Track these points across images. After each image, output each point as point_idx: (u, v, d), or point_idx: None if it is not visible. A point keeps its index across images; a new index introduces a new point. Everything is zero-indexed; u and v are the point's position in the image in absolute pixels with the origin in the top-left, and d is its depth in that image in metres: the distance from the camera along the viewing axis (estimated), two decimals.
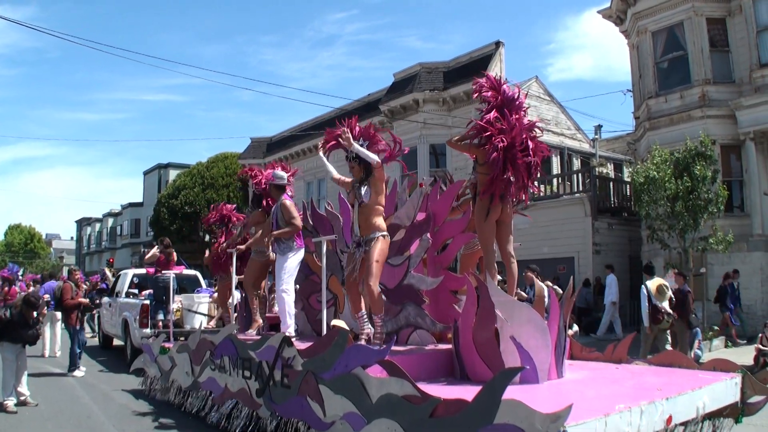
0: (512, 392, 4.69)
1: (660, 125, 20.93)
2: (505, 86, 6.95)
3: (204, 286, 16.58)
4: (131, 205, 67.92)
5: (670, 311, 12.36)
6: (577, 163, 27.47)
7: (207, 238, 41.22)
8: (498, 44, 26.04)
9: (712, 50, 20.40)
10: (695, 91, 20.31)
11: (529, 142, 6.72)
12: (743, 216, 19.62)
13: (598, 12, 24.27)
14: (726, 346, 16.16)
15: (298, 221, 8.58)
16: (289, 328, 8.53)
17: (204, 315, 14.13)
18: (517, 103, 6.89)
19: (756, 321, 17.33)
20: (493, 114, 6.71)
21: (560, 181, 25.40)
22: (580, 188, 24.31)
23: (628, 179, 23.62)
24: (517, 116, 6.78)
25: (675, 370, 6.93)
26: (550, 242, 22.20)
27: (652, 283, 12.56)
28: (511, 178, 6.65)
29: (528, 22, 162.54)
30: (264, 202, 10.07)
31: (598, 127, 30.03)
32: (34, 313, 10.14)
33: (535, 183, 7.21)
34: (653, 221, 17.37)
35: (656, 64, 21.71)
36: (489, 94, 6.84)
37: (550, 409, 4.30)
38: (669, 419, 5.25)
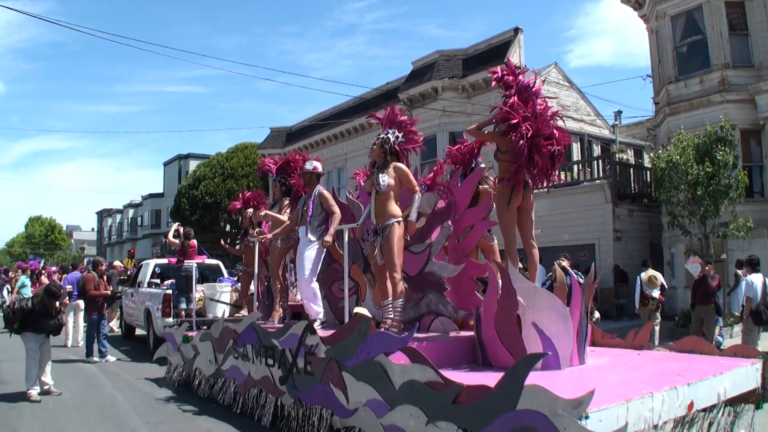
0: (534, 378, 4.71)
1: (680, 110, 20.82)
2: (521, 75, 6.96)
3: (225, 275, 16.67)
4: (152, 195, 68.26)
5: (655, 296, 14.09)
6: (597, 150, 27.38)
7: (228, 228, 41.49)
8: (517, 31, 25.95)
9: (731, 34, 20.27)
10: (714, 76, 20.19)
11: (554, 131, 6.73)
12: (763, 201, 19.54)
13: None
14: None
15: (338, 209, 8.67)
16: (320, 314, 8.58)
17: (226, 304, 14.20)
18: (535, 90, 6.88)
19: None
20: (515, 99, 6.72)
21: (580, 167, 25.33)
22: (601, 174, 24.24)
23: (648, 165, 23.53)
24: (541, 104, 6.78)
25: (696, 356, 6.92)
26: (570, 229, 22.17)
27: (645, 274, 14.42)
28: (536, 166, 6.68)
29: (548, 8, 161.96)
30: (294, 191, 10.13)
31: (618, 113, 29.90)
32: (57, 303, 10.25)
33: (557, 171, 7.19)
34: (674, 207, 17.30)
35: (675, 48, 21.58)
36: (510, 78, 6.85)
37: (573, 395, 4.32)
38: (690, 405, 5.25)
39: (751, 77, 19.67)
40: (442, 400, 5.17)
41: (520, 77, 6.91)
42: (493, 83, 7.11)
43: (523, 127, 6.58)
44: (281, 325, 8.45)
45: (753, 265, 12.36)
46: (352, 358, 6.39)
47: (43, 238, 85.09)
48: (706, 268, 13.35)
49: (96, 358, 13.71)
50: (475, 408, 4.90)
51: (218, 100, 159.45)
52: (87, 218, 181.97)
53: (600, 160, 25.46)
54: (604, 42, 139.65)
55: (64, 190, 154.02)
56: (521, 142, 6.57)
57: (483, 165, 8.29)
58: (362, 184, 9.14)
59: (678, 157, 16.58)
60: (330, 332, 7.18)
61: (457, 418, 5.04)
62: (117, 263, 18.18)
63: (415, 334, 6.43)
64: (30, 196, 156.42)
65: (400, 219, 7.42)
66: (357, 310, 7.38)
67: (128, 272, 27.43)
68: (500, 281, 6.32)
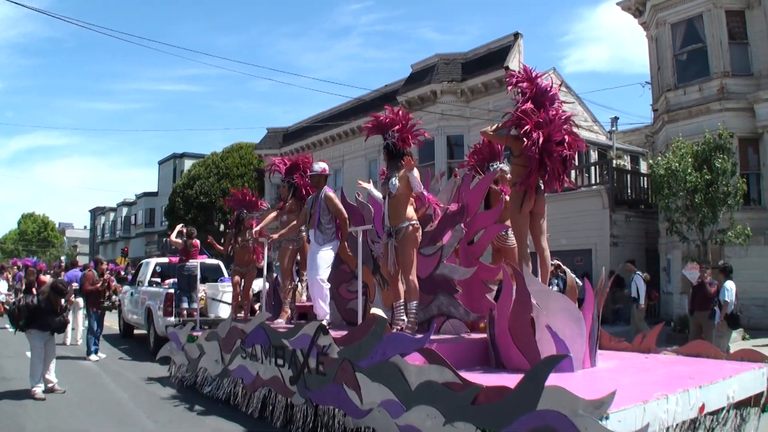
0: (549, 380, 4.79)
1: (679, 118, 20.89)
2: (539, 79, 7.04)
3: (226, 275, 16.70)
4: (146, 194, 67.98)
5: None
6: (594, 155, 27.46)
7: (222, 227, 41.55)
8: (516, 35, 26.03)
9: (731, 43, 20.34)
10: (714, 84, 20.26)
11: (566, 136, 6.81)
12: (760, 209, 19.61)
13: (617, 4, 24.19)
14: (743, 339, 16.22)
15: (345, 211, 8.76)
16: (327, 315, 8.64)
17: (228, 304, 14.23)
18: (551, 94, 6.98)
19: None
20: (529, 105, 6.80)
21: (578, 173, 25.43)
22: (597, 180, 24.34)
23: (645, 171, 23.63)
24: (554, 109, 6.86)
25: (703, 360, 7.04)
26: (567, 234, 22.18)
27: (643, 274, 16.13)
28: (547, 170, 6.76)
29: (544, 13, 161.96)
30: (303, 191, 10.18)
31: (615, 120, 29.92)
32: (62, 301, 10.27)
33: (569, 176, 7.27)
34: (672, 214, 17.41)
35: (675, 56, 21.65)
36: (525, 84, 6.93)
37: (590, 396, 4.41)
38: (702, 407, 5.36)
39: (750, 86, 19.76)
40: (460, 401, 5.24)
41: (537, 81, 6.99)
42: (509, 88, 7.21)
43: (535, 134, 6.66)
44: (291, 326, 8.52)
45: (726, 272, 12.87)
46: (367, 358, 6.45)
47: (35, 236, 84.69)
48: (705, 273, 13.51)
49: (94, 357, 13.78)
50: (494, 408, 4.98)
51: (214, 99, 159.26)
52: (80, 216, 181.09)
53: (597, 166, 25.56)
54: (600, 48, 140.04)
55: (57, 187, 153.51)
56: (533, 147, 6.66)
57: (503, 167, 8.31)
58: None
59: (677, 164, 16.69)
60: (343, 333, 7.25)
61: (475, 418, 5.11)
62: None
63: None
64: (23, 193, 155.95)
65: (415, 221, 7.52)
66: (373, 310, 7.44)
67: (124, 272, 27.43)
68: (514, 284, 6.42)
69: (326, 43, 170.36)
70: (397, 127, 7.86)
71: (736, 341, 15.77)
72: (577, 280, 12.52)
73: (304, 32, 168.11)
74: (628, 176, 25.19)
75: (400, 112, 8.03)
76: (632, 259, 18.06)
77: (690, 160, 16.71)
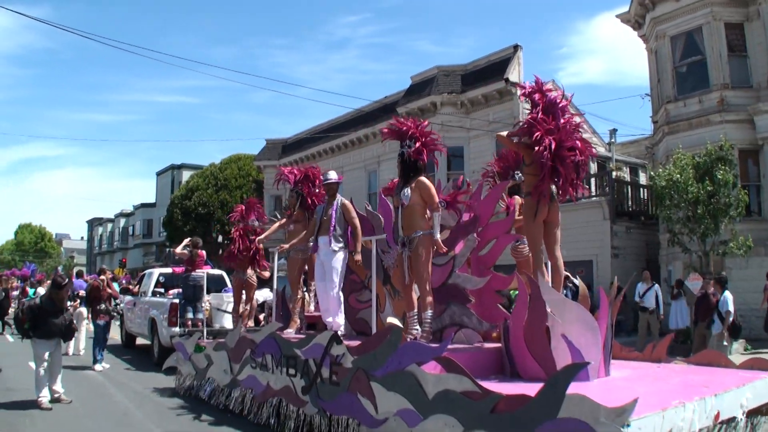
0: (568, 388, 4.82)
1: (679, 129, 21.06)
2: (549, 90, 7.10)
3: (230, 285, 16.69)
4: (144, 205, 67.97)
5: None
6: (593, 167, 27.55)
7: (220, 239, 41.57)
8: (516, 48, 26.19)
9: (731, 55, 20.58)
10: (714, 96, 20.44)
11: (577, 142, 6.88)
12: (761, 220, 19.77)
13: (617, 16, 24.41)
14: (745, 350, 16.27)
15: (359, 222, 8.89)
16: (342, 326, 8.71)
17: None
18: (561, 105, 7.04)
19: None
20: (539, 115, 6.87)
21: None
22: (597, 192, 24.42)
23: (645, 183, 23.69)
24: (564, 118, 6.93)
25: (715, 369, 7.09)
26: (568, 245, 22.10)
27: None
28: (560, 177, 6.82)
29: (540, 26, 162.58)
30: (309, 201, 10.26)
31: (613, 131, 30.04)
32: (65, 300, 10.18)
33: (583, 182, 7.34)
34: (674, 225, 17.49)
35: (675, 68, 21.85)
36: (537, 96, 6.99)
37: (609, 404, 4.44)
38: (717, 415, 5.40)
39: (749, 98, 19.95)
40: (479, 410, 5.26)
41: (548, 93, 7.05)
42: (521, 98, 7.28)
43: (547, 140, 6.71)
44: (301, 336, 8.55)
45: (722, 284, 13.20)
46: (382, 367, 6.46)
47: (32, 246, 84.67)
48: (709, 284, 13.60)
49: (98, 366, 13.80)
50: (514, 417, 5.00)
51: (210, 111, 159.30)
52: (77, 227, 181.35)
53: (597, 178, 25.65)
54: (596, 60, 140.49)
55: (54, 197, 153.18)
56: (545, 153, 6.71)
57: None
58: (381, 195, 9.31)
59: (678, 175, 16.78)
60: (355, 342, 7.27)
61: (495, 427, 5.13)
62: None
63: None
64: (20, 203, 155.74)
65: (429, 231, 7.55)
66: (389, 320, 7.49)
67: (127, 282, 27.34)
68: (529, 293, 6.46)
69: (322, 56, 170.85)
70: (417, 143, 7.87)
71: (738, 352, 15.84)
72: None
73: (300, 45, 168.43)
74: (629, 188, 25.28)
75: (421, 126, 8.06)
76: (645, 268, 18.13)
77: (691, 171, 16.81)
